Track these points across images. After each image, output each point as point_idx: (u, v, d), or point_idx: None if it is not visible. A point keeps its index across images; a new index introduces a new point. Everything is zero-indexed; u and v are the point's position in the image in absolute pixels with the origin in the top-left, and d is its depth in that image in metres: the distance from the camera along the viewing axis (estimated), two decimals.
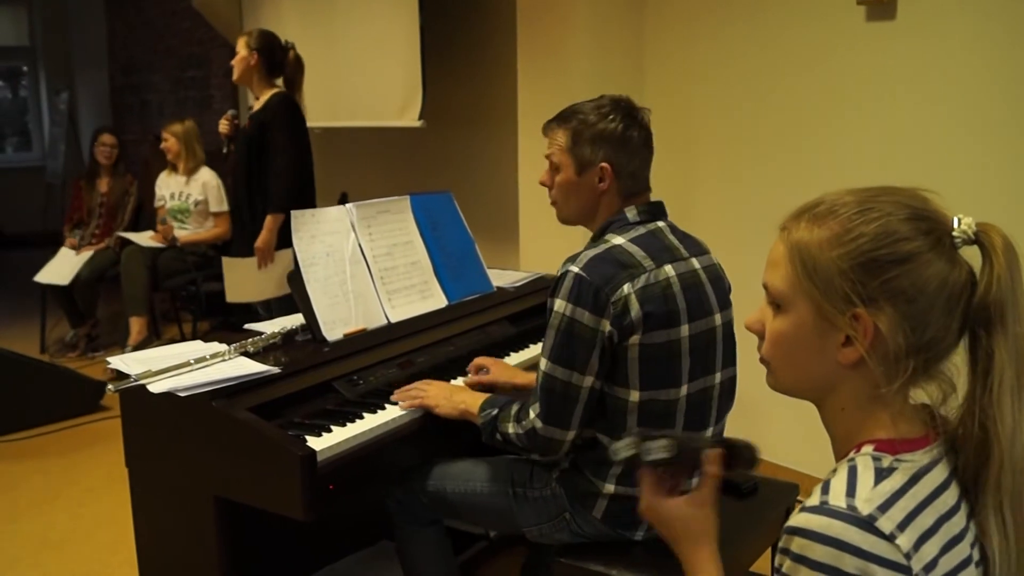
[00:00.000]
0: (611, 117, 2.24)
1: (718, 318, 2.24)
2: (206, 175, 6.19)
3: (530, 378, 2.62)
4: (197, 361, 2.35)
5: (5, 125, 12.29)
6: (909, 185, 1.27)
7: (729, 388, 2.32)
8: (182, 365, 2.32)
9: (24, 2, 11.62)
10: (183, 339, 6.60)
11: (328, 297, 2.64)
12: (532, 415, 2.17)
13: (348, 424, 2.33)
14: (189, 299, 6.76)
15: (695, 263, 2.24)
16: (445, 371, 2.77)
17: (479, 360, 2.74)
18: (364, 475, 2.33)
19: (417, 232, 3.03)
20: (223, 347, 2.51)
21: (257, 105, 4.61)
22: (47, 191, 11.17)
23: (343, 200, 6.08)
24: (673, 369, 2.15)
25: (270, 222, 4.45)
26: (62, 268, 6.23)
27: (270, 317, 4.79)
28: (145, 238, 6.10)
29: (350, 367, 2.58)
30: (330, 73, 5.68)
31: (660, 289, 2.12)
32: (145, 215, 6.78)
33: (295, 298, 2.61)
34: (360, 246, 2.81)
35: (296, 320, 2.80)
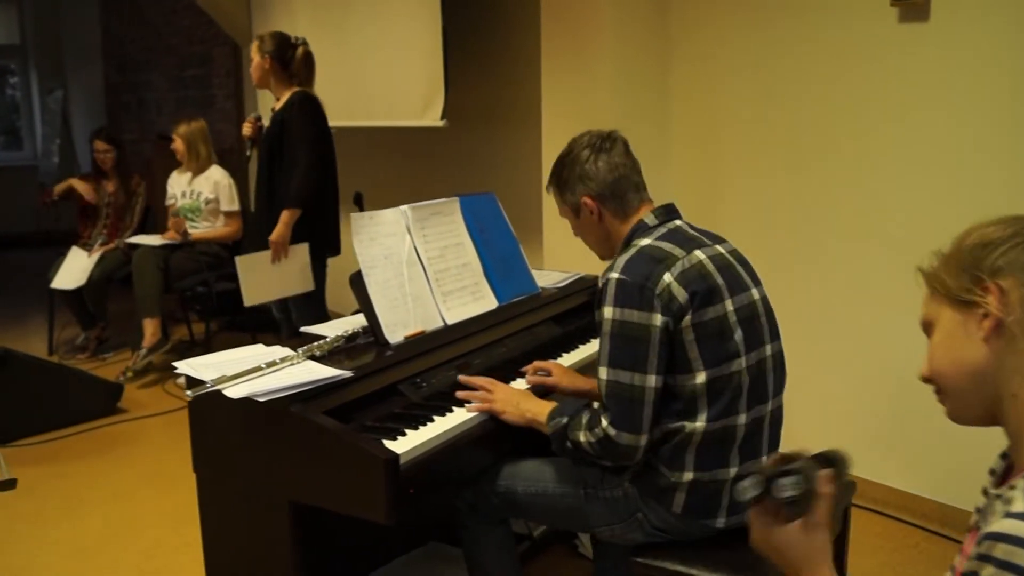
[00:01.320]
0: (571, 156, 2.44)
1: (755, 292, 2.33)
2: (217, 174, 6.16)
3: (592, 383, 2.65)
4: (269, 365, 2.34)
5: None
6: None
7: (780, 361, 2.39)
8: (254, 370, 2.31)
9: (15, 0, 11.52)
10: (192, 340, 6.59)
11: (388, 300, 2.64)
12: (605, 422, 2.20)
13: (420, 427, 2.33)
14: (195, 299, 6.73)
15: (720, 248, 2.35)
16: (501, 373, 2.76)
17: (538, 363, 2.74)
18: (430, 477, 2.32)
19: (467, 234, 3.02)
20: (287, 351, 2.49)
21: (278, 105, 4.61)
22: (40, 191, 11.09)
23: (357, 200, 6.06)
24: (728, 342, 2.21)
25: (286, 216, 4.44)
26: (73, 271, 6.18)
27: (286, 318, 4.80)
28: (156, 240, 6.06)
29: (412, 370, 2.59)
30: (345, 72, 5.66)
31: (696, 271, 2.21)
32: (153, 215, 6.74)
33: (357, 300, 2.60)
34: (416, 248, 2.80)
35: (352, 323, 2.80)
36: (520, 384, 2.69)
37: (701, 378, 2.18)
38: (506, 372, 2.77)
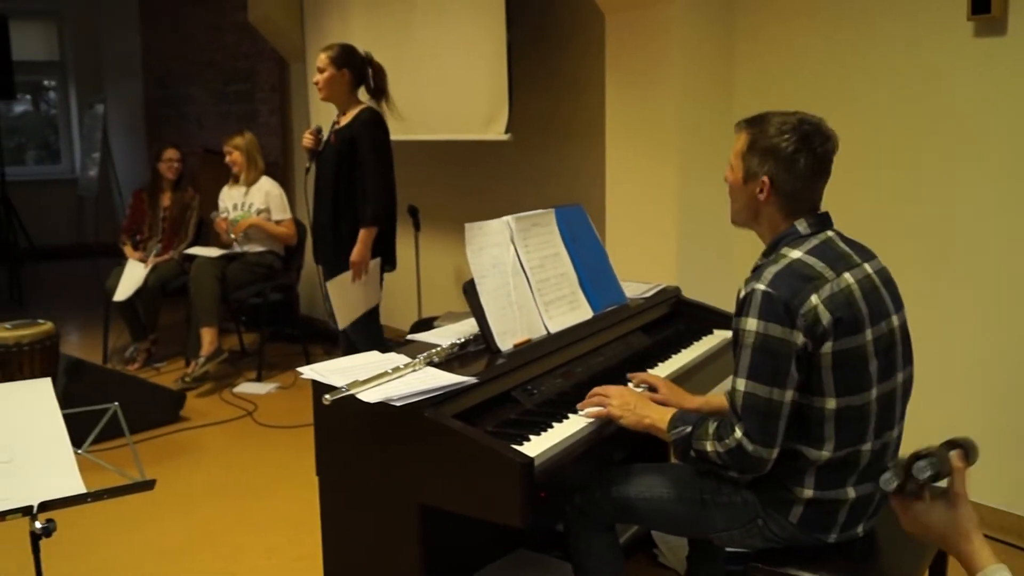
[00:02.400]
0: (786, 136, 2.28)
1: (895, 319, 2.31)
2: (267, 184, 6.26)
3: (698, 403, 2.70)
4: (394, 371, 2.40)
5: (27, 139, 12.30)
6: None
7: (908, 388, 2.38)
8: (382, 375, 2.36)
9: (55, 17, 11.65)
10: (243, 350, 6.66)
11: (497, 308, 2.69)
12: (738, 433, 2.21)
13: (542, 433, 2.38)
14: (242, 309, 6.81)
15: (868, 268, 2.32)
16: (604, 381, 2.81)
17: (643, 376, 2.78)
18: (558, 482, 2.37)
19: (562, 244, 3.08)
20: (403, 357, 2.55)
21: (344, 120, 4.64)
22: (79, 204, 11.21)
23: (413, 214, 6.14)
24: (863, 373, 2.21)
25: (364, 235, 4.49)
26: (131, 281, 6.26)
27: (343, 330, 4.85)
28: (213, 251, 6.14)
29: (523, 377, 2.65)
30: (405, 86, 5.71)
31: (844, 296, 2.19)
32: (203, 227, 6.82)
33: (470, 308, 2.65)
34: (519, 258, 2.86)
35: (458, 331, 2.86)
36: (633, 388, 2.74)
37: (831, 404, 2.19)
38: (608, 381, 2.81)
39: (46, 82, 12.12)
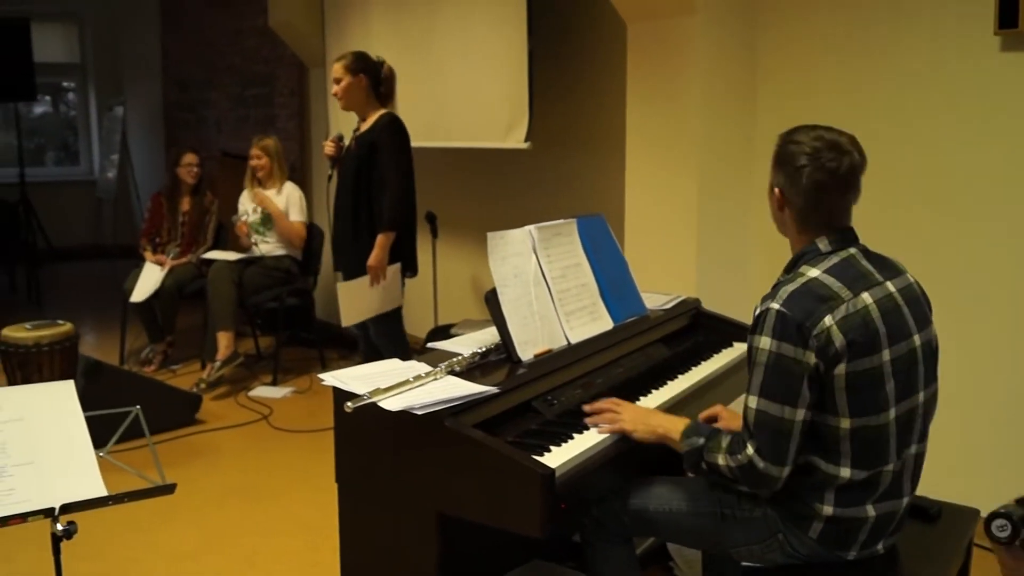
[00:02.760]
0: (798, 149, 2.28)
1: (917, 339, 2.28)
2: (288, 187, 6.27)
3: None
4: (415, 379, 2.39)
5: (47, 140, 12.36)
6: None
7: (932, 406, 2.36)
8: (403, 383, 2.36)
9: (76, 20, 11.72)
10: (259, 353, 6.67)
11: (519, 318, 2.69)
12: (749, 450, 2.21)
13: (563, 444, 2.38)
14: (257, 313, 6.83)
15: (890, 287, 2.29)
16: (623, 392, 2.81)
17: (715, 410, 2.80)
18: (578, 493, 2.36)
19: (584, 254, 3.08)
20: (424, 366, 2.55)
21: (364, 126, 4.66)
22: (97, 206, 11.26)
23: (431, 220, 6.15)
24: (879, 394, 2.19)
25: (383, 240, 4.50)
26: (148, 284, 6.27)
27: (364, 334, 4.85)
28: (231, 255, 6.16)
29: (544, 387, 2.65)
30: (425, 93, 5.73)
31: (860, 317, 2.18)
32: (222, 231, 6.84)
33: (491, 317, 2.65)
34: (541, 268, 2.85)
35: (478, 339, 2.85)
36: (645, 402, 2.74)
37: (845, 424, 2.18)
38: (628, 392, 2.81)
39: (66, 84, 12.18)
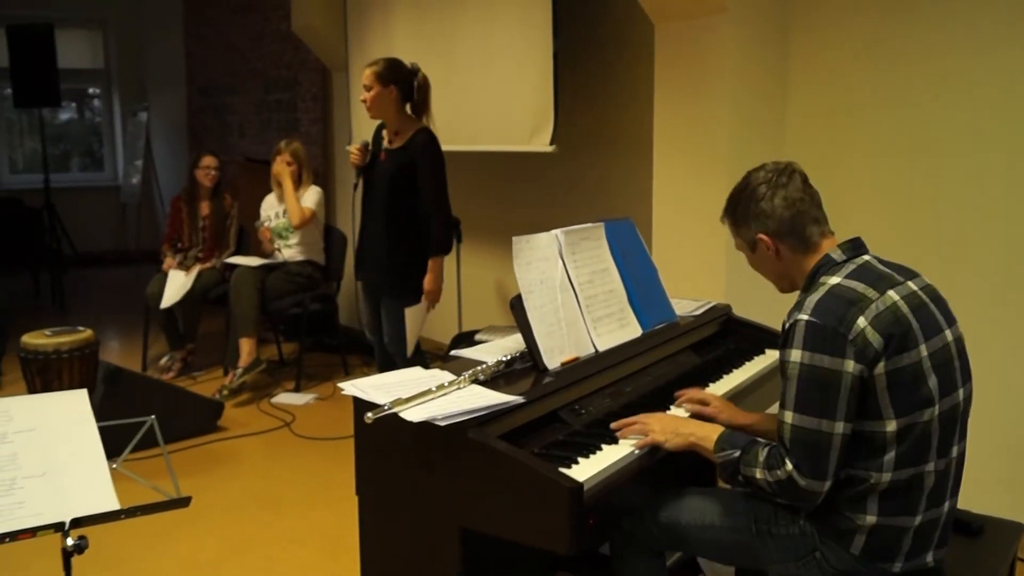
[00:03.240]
0: (746, 192, 2.37)
1: (949, 334, 2.22)
2: (312, 192, 6.19)
3: (751, 419, 2.63)
4: (438, 389, 2.32)
5: (72, 146, 12.39)
6: None
7: (968, 404, 2.29)
8: (424, 393, 2.28)
9: (100, 26, 11.74)
10: (281, 360, 6.62)
11: (545, 325, 2.61)
12: (788, 466, 2.13)
13: (591, 455, 2.29)
14: (281, 319, 6.77)
15: (912, 285, 2.24)
16: (652, 400, 2.74)
17: (694, 392, 2.70)
18: (607, 507, 2.28)
19: (612, 259, 2.99)
20: (447, 374, 2.47)
21: (398, 141, 4.48)
22: (121, 211, 11.27)
23: (455, 225, 6.07)
24: (923, 389, 2.12)
25: (435, 265, 4.44)
26: (175, 288, 6.22)
27: (379, 340, 4.77)
28: (253, 260, 6.10)
29: (571, 396, 2.57)
30: (449, 97, 5.66)
31: (891, 314, 2.12)
32: (243, 237, 6.79)
33: (517, 324, 2.57)
34: (567, 273, 2.77)
35: (503, 347, 2.78)
36: (675, 412, 2.65)
37: (891, 426, 2.10)
38: (658, 400, 2.73)
39: (91, 90, 12.20)
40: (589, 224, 2.97)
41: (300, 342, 6.27)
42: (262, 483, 4.54)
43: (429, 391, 2.30)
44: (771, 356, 3.30)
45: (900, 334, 2.10)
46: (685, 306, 3.41)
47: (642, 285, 3.09)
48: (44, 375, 4.22)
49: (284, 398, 5.86)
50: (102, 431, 2.26)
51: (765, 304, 4.24)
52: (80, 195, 11.28)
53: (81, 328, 4.44)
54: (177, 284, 6.25)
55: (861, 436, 2.13)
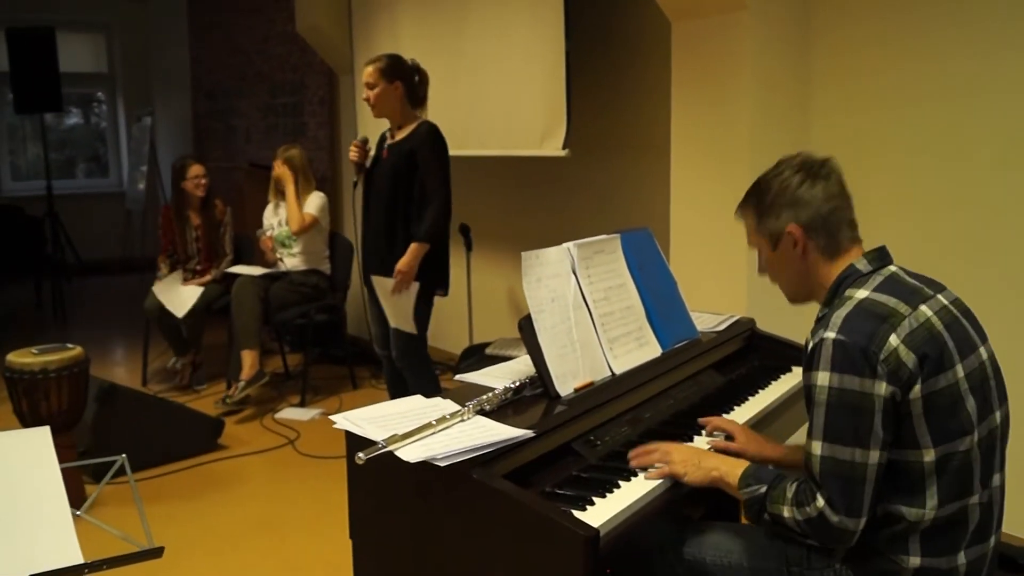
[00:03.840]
0: (783, 177, 2.12)
1: (983, 351, 2.03)
2: (314, 197, 5.99)
3: (779, 453, 2.43)
4: (439, 422, 2.10)
5: (77, 152, 12.23)
6: None
7: (1007, 427, 2.09)
8: (425, 427, 2.07)
9: (103, 29, 11.56)
10: (287, 372, 6.42)
11: (557, 347, 2.39)
12: (820, 502, 1.92)
13: (607, 495, 2.08)
14: (287, 330, 6.59)
15: (942, 299, 2.04)
16: (675, 429, 2.52)
17: (719, 422, 2.49)
18: (624, 553, 2.06)
19: (628, 273, 2.77)
20: (452, 404, 2.26)
21: (400, 135, 4.37)
22: (126, 218, 11.10)
23: (464, 233, 5.86)
24: (961, 414, 1.92)
25: (416, 249, 4.24)
26: (182, 297, 6.02)
27: (388, 355, 4.56)
28: (256, 270, 5.90)
29: (585, 426, 2.36)
30: (457, 100, 5.46)
31: (926, 331, 1.92)
32: (247, 245, 6.59)
33: (526, 348, 2.35)
34: (581, 290, 2.56)
35: (511, 370, 2.57)
36: (699, 443, 2.44)
37: (929, 456, 1.90)
38: (680, 429, 2.52)
39: (98, 95, 12.03)
40: (604, 236, 2.75)
41: (305, 354, 6.06)
42: (263, 508, 4.33)
43: (429, 425, 2.09)
44: (798, 374, 3.08)
45: (935, 353, 1.90)
46: (706, 320, 3.19)
47: (661, 300, 2.87)
48: (31, 396, 4.00)
49: (288, 413, 5.65)
50: (69, 472, 2.05)
51: (788, 317, 4.02)
52: (85, 202, 11.11)
53: (70, 345, 4.23)
54: (186, 292, 6.05)
55: (896, 467, 1.94)
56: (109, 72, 11.73)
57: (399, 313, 4.36)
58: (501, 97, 5.22)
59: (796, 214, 2.10)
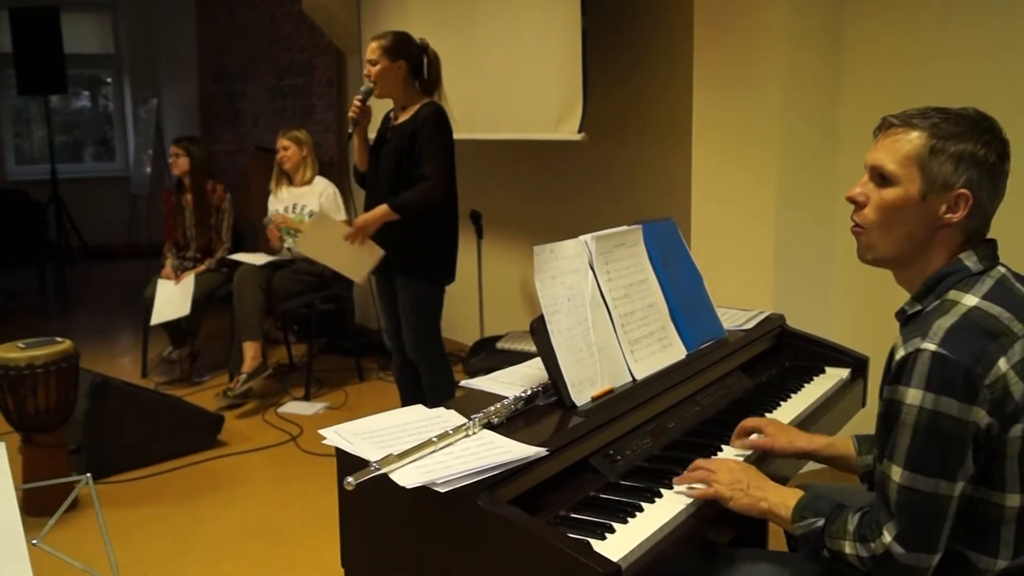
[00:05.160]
0: (986, 139, 1.73)
1: None
2: (321, 184, 5.77)
3: (814, 444, 2.21)
4: (440, 439, 1.87)
5: (85, 135, 12.03)
6: None
7: None
8: (425, 445, 1.84)
9: (109, 9, 11.34)
10: (292, 363, 6.21)
11: (573, 352, 2.16)
12: (887, 537, 1.67)
13: (629, 519, 1.85)
14: (293, 320, 6.38)
15: None
16: (702, 438, 2.30)
17: (749, 422, 2.25)
18: None
19: (651, 268, 2.54)
20: (457, 416, 2.03)
21: (404, 116, 4.16)
22: (132, 202, 10.91)
23: (475, 219, 5.64)
24: None
25: (383, 211, 4.07)
26: (169, 304, 5.79)
27: (397, 345, 4.35)
28: (258, 258, 5.68)
29: (604, 439, 2.12)
30: (468, 81, 5.24)
31: None
32: (252, 232, 6.37)
33: (539, 353, 2.12)
34: (599, 287, 2.32)
35: (521, 375, 2.34)
36: (728, 453, 2.21)
37: (1013, 501, 1.66)
38: (707, 436, 2.29)
39: (107, 78, 11.82)
40: (624, 227, 2.51)
41: (309, 345, 5.83)
42: (262, 509, 4.12)
43: (429, 442, 1.86)
44: (832, 376, 2.87)
45: None
46: (733, 317, 2.96)
47: (686, 297, 2.64)
48: (16, 392, 3.79)
49: (292, 407, 5.44)
50: (29, 492, 1.83)
51: (816, 313, 3.80)
52: (90, 186, 10.91)
53: (59, 339, 4.02)
54: (167, 296, 5.81)
55: (971, 506, 1.70)
56: (115, 53, 11.51)
57: (346, 264, 4.30)
58: (514, 77, 5.01)
59: (980, 182, 1.73)
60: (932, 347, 1.63)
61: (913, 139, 1.76)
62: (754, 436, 2.25)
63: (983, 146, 1.72)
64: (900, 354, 1.68)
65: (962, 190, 1.73)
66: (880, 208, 1.80)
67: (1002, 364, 1.62)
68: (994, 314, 1.68)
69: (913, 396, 1.64)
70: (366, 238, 4.14)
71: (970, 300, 1.70)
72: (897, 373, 1.68)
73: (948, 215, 1.75)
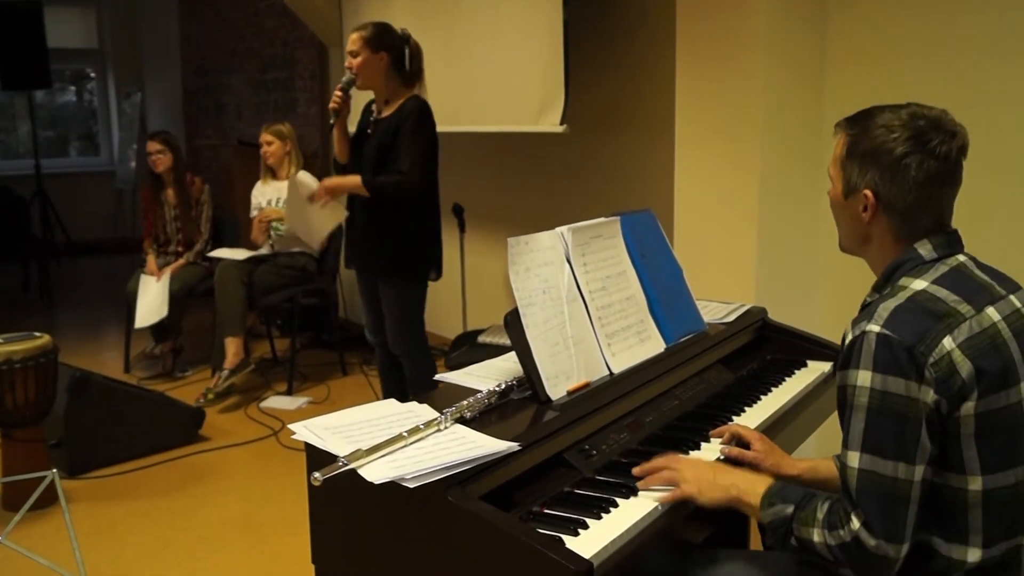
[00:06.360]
0: (894, 135, 1.74)
1: None
2: (306, 178, 5.72)
3: (801, 467, 2.15)
4: (411, 433, 1.84)
5: (70, 130, 11.96)
6: None
7: None
8: (395, 439, 1.81)
9: (93, 4, 11.26)
10: (275, 358, 6.18)
11: (548, 345, 2.14)
12: (855, 524, 1.65)
13: (603, 515, 1.83)
14: (276, 314, 6.35)
15: (1015, 301, 1.76)
16: (680, 433, 2.28)
17: (737, 428, 2.22)
18: None
19: (629, 261, 2.51)
20: (429, 411, 2.00)
21: (388, 110, 4.10)
22: (117, 197, 10.86)
23: (457, 212, 5.61)
24: (1019, 442, 1.67)
25: (356, 181, 4.02)
26: (152, 305, 5.75)
27: (381, 341, 4.32)
28: (239, 253, 5.64)
29: (579, 434, 2.10)
30: (450, 72, 5.21)
31: (988, 339, 1.65)
32: (234, 226, 6.32)
33: (513, 346, 2.10)
34: (576, 280, 2.30)
35: (495, 369, 2.32)
36: (708, 450, 2.18)
37: (976, 484, 1.65)
38: (686, 434, 2.27)
39: (91, 73, 11.74)
40: (602, 219, 2.49)
41: (292, 340, 5.80)
42: (243, 505, 4.09)
43: (400, 436, 1.83)
44: (814, 370, 2.84)
45: (997, 366, 1.64)
46: (713, 310, 2.94)
47: (665, 289, 2.61)
48: None
49: (274, 402, 5.41)
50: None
51: (798, 306, 3.78)
52: (75, 181, 10.83)
53: (38, 334, 3.98)
54: (149, 298, 5.76)
55: (936, 492, 1.68)
56: (99, 48, 11.43)
57: (308, 225, 4.51)
58: (496, 69, 4.98)
59: (880, 182, 1.76)
60: (876, 328, 1.64)
61: (839, 142, 1.85)
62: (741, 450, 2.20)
63: (890, 144, 1.74)
64: (849, 337, 1.69)
65: (865, 191, 1.78)
66: (830, 205, 1.90)
67: (947, 343, 1.62)
68: (940, 296, 1.69)
69: (862, 378, 1.64)
70: (332, 200, 4.18)
71: (918, 284, 1.71)
72: (846, 357, 1.69)
73: (864, 214, 1.80)
